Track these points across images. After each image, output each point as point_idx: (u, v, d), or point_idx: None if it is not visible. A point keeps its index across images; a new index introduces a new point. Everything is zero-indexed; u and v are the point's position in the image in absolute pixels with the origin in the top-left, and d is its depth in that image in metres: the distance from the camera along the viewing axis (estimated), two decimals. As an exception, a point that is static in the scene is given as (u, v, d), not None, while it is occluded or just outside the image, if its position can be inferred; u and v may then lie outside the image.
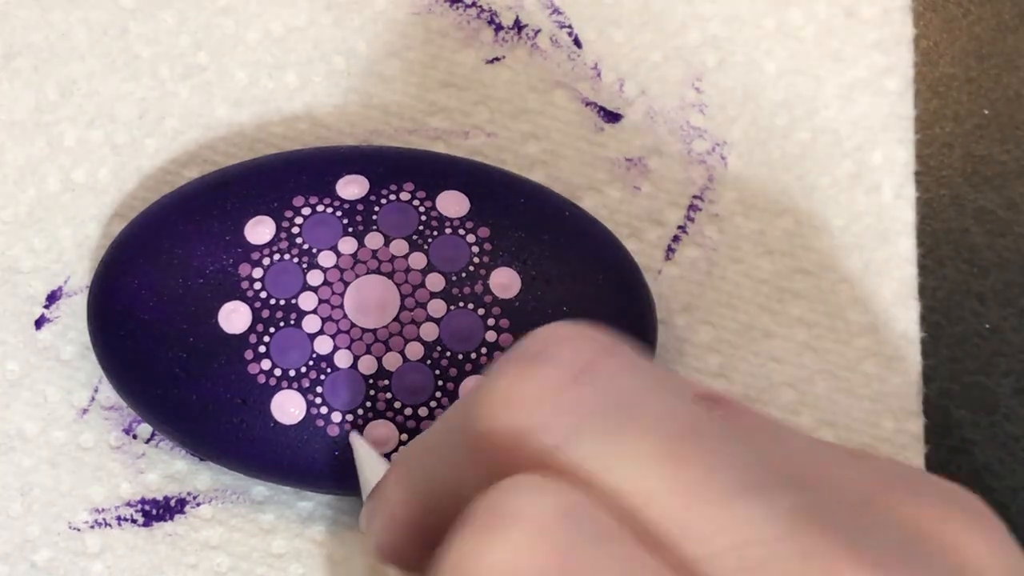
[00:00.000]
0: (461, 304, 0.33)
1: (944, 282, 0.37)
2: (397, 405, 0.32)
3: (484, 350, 0.32)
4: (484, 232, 0.33)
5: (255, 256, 0.33)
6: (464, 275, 0.33)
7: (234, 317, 0.33)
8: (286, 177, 0.34)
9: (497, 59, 0.37)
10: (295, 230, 0.33)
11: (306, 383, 0.32)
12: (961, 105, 0.38)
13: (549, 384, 0.22)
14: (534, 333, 0.23)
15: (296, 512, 0.34)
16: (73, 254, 0.36)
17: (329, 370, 0.32)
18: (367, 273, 0.33)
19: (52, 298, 0.36)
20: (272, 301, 0.33)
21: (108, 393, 0.35)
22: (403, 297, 0.33)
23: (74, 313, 0.36)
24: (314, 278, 0.33)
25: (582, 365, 0.22)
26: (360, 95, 0.37)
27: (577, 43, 0.37)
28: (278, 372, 0.32)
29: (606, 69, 0.37)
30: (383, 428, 0.32)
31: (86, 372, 0.35)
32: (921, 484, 0.23)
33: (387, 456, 0.32)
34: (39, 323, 0.36)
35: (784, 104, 0.37)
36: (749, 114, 0.37)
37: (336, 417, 0.32)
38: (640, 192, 0.36)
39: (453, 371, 0.32)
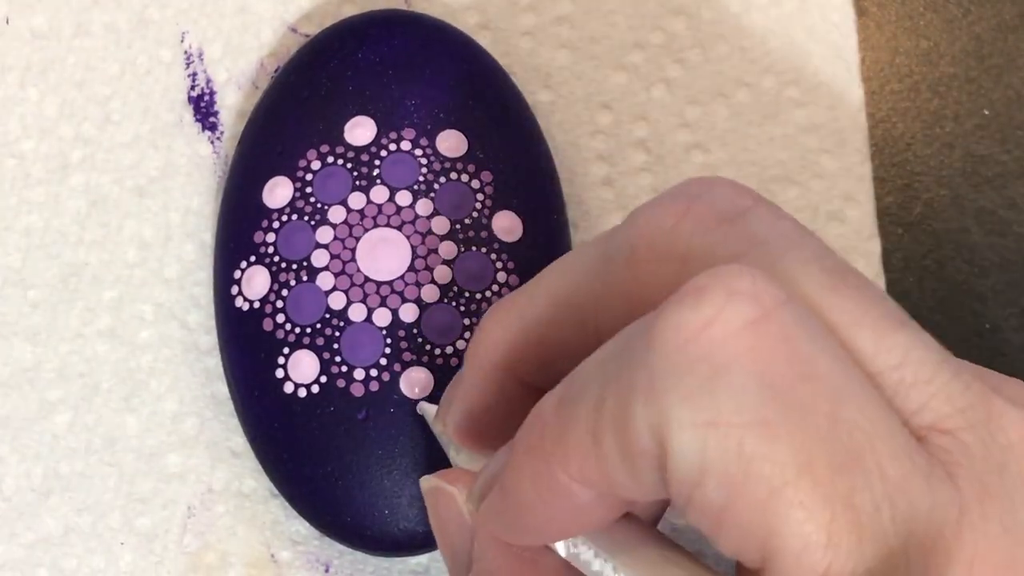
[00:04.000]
0: (472, 248, 0.33)
1: (944, 282, 0.36)
2: (428, 348, 0.32)
3: (496, 288, 0.33)
4: (487, 176, 0.33)
5: (267, 221, 0.33)
6: (468, 221, 0.33)
7: (254, 280, 0.33)
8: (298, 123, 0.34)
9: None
10: (308, 189, 0.33)
11: (320, 340, 0.32)
12: (961, 105, 0.38)
13: (713, 217, 0.23)
14: (691, 179, 0.24)
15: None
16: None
17: (343, 324, 0.32)
18: (375, 227, 0.33)
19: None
20: (285, 263, 0.33)
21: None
22: (414, 247, 0.33)
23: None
24: (324, 235, 0.33)
25: (743, 207, 0.23)
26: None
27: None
28: (296, 330, 0.32)
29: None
30: (418, 374, 0.32)
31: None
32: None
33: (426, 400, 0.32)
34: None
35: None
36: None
37: (359, 374, 0.32)
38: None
39: (472, 307, 0.32)
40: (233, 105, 0.37)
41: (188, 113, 0.36)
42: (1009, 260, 0.36)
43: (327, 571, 0.33)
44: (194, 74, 0.37)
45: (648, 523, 0.26)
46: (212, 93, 0.37)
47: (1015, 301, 0.36)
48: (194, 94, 0.37)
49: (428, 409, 0.31)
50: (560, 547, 0.24)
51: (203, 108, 0.36)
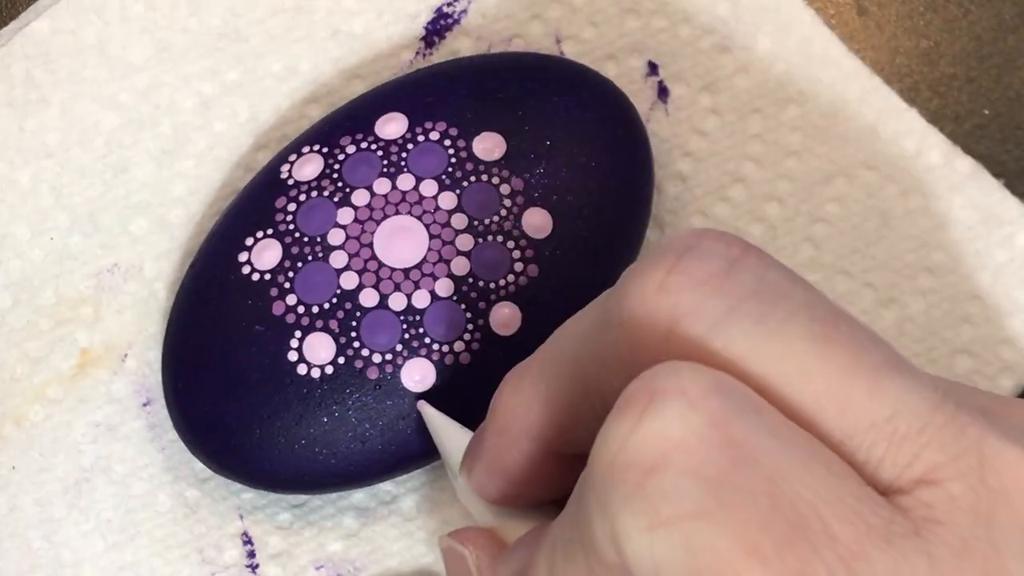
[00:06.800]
0: (490, 238, 0.33)
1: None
2: (429, 342, 0.32)
3: (511, 278, 0.33)
4: (518, 184, 0.33)
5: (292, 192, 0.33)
6: (493, 221, 0.33)
7: (265, 253, 0.33)
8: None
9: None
10: (337, 167, 0.33)
11: (334, 324, 0.32)
12: (961, 105, 0.38)
13: (701, 273, 0.23)
14: (681, 231, 0.25)
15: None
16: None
17: (358, 312, 0.32)
18: (396, 214, 0.33)
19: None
20: (302, 237, 0.33)
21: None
22: (431, 237, 0.33)
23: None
24: (344, 216, 0.33)
25: (732, 258, 0.23)
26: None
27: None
28: (303, 309, 0.32)
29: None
30: (418, 366, 0.32)
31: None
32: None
33: (422, 395, 0.32)
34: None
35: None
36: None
37: (376, 358, 0.32)
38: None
39: (482, 304, 0.32)
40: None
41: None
42: (1010, 260, 0.36)
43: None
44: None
45: None
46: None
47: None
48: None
49: (429, 413, 0.32)
50: None
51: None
